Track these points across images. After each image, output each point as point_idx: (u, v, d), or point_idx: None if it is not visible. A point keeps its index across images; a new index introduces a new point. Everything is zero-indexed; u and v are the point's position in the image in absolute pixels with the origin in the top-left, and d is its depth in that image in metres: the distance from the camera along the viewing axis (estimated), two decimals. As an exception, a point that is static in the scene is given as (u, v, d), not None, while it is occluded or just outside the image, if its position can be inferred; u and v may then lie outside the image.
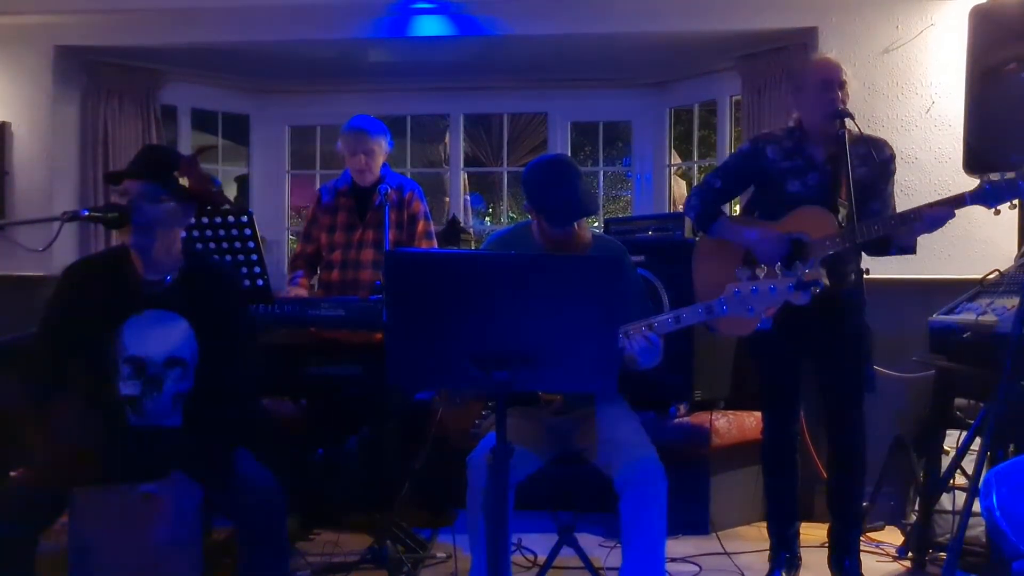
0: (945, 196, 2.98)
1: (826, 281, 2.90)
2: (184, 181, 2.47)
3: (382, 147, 3.91)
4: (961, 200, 2.88)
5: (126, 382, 2.46)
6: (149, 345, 2.47)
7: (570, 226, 2.74)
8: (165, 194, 2.46)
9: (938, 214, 2.89)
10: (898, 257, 3.92)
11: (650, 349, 2.55)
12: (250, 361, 2.60)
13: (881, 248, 3.09)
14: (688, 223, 4.07)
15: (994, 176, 2.91)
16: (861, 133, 2.99)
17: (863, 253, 3.08)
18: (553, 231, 2.76)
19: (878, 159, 3.06)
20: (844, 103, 2.98)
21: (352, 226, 3.96)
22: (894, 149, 3.17)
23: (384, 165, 3.99)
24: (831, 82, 3.00)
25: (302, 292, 3.90)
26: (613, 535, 3.45)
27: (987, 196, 2.84)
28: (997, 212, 2.88)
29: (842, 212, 2.96)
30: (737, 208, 4.08)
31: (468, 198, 8.53)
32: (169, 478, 2.36)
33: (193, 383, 2.51)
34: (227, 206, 2.74)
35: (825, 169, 3.04)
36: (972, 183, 3.48)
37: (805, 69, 3.17)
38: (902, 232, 2.98)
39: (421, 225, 3.96)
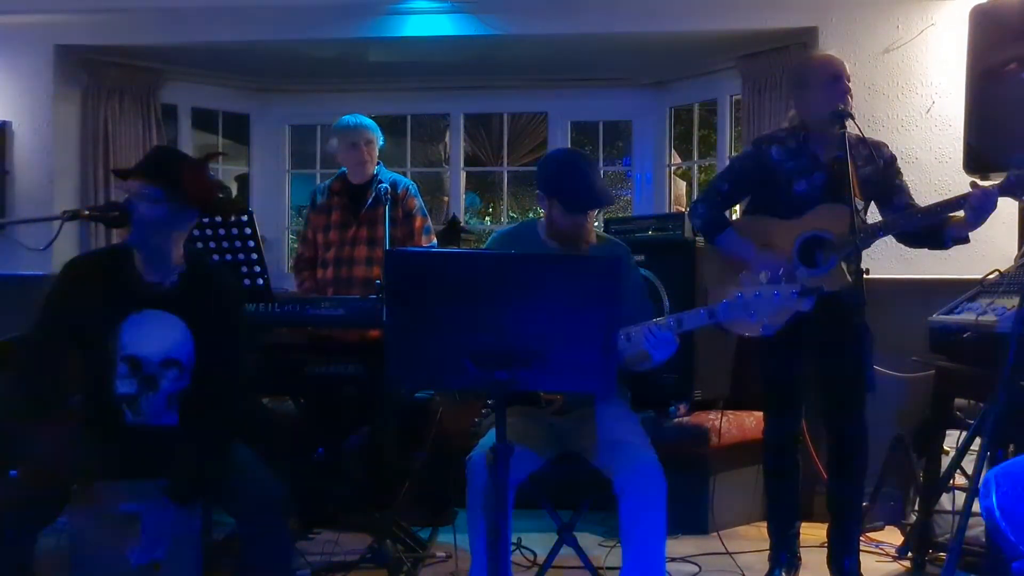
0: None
1: (849, 278, 2.90)
2: (187, 186, 2.47)
3: (378, 139, 3.98)
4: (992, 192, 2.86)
5: (123, 380, 2.48)
6: (146, 345, 2.48)
7: (583, 215, 2.75)
8: (165, 197, 2.46)
9: (987, 201, 2.84)
10: (898, 257, 3.96)
11: (665, 345, 2.56)
12: (246, 365, 2.60)
13: (934, 240, 3.05)
14: (688, 223, 4.07)
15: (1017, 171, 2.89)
16: (861, 135, 2.99)
17: (908, 247, 3.13)
18: (565, 220, 2.76)
19: (881, 160, 3.06)
20: (850, 106, 2.97)
21: (346, 224, 3.99)
22: (895, 149, 3.17)
23: (379, 164, 4.03)
24: (839, 75, 2.99)
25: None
26: (613, 535, 3.45)
27: (1014, 187, 2.82)
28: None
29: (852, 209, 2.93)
30: (738, 211, 4.07)
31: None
32: (153, 497, 2.35)
33: (189, 383, 2.51)
34: (233, 212, 2.74)
35: (830, 168, 3.04)
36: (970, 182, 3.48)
37: (810, 66, 3.14)
38: (959, 220, 2.93)
39: (419, 221, 3.98)
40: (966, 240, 3.02)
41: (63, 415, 2.46)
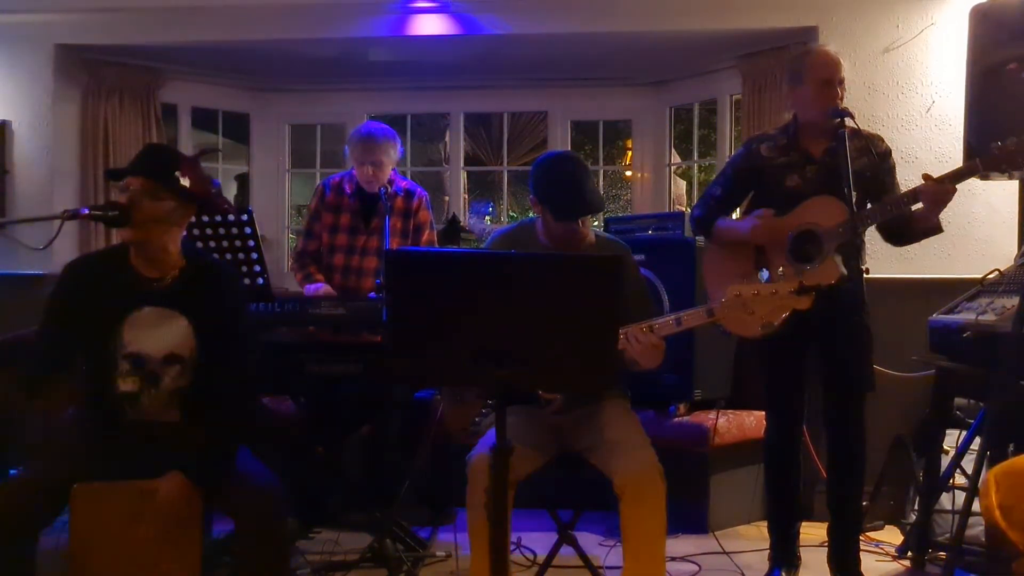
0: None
1: (843, 270, 2.90)
2: (185, 181, 2.48)
3: (391, 156, 3.78)
4: (974, 167, 2.86)
5: (124, 378, 2.48)
6: (148, 342, 2.48)
7: (574, 221, 2.74)
8: (165, 192, 2.46)
9: (946, 189, 2.84)
10: (898, 257, 3.95)
11: (651, 352, 2.55)
12: (248, 360, 2.60)
13: (907, 235, 3.07)
14: (688, 224, 4.07)
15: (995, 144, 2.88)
16: (857, 128, 2.98)
17: (890, 243, 3.12)
18: (557, 226, 2.76)
19: (876, 152, 3.05)
20: (843, 99, 2.98)
21: (355, 230, 3.90)
22: (895, 148, 3.17)
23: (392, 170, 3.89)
24: (831, 81, 2.99)
25: (327, 290, 3.79)
26: (612, 534, 3.45)
27: (999, 161, 2.81)
28: (1011, 176, 2.86)
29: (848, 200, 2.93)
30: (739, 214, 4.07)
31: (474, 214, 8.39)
32: (169, 475, 2.36)
33: (191, 380, 2.51)
34: (226, 207, 2.74)
35: (823, 162, 3.04)
36: (972, 182, 3.49)
37: (804, 64, 3.09)
38: (921, 212, 2.93)
39: (426, 235, 3.92)
40: (936, 230, 3.02)
41: (65, 415, 2.46)
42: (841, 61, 3.04)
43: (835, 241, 2.92)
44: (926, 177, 2.88)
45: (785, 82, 3.21)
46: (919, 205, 2.91)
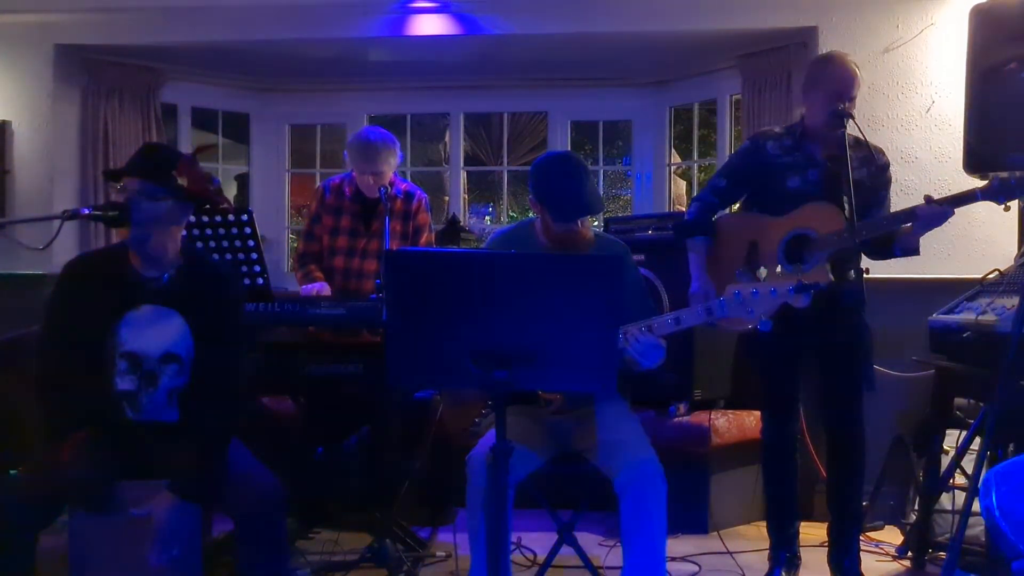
0: (944, 195, 2.97)
1: (831, 276, 2.91)
2: (182, 180, 2.48)
3: (391, 164, 3.78)
4: (972, 196, 2.87)
5: (123, 377, 2.48)
6: (145, 341, 2.49)
7: (573, 222, 2.74)
8: (163, 192, 2.47)
9: (943, 211, 2.87)
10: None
11: (651, 351, 2.55)
12: (243, 360, 2.60)
13: (884, 250, 3.09)
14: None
15: (1003, 174, 2.89)
16: (861, 136, 3.00)
17: (864, 255, 3.09)
18: (556, 226, 2.76)
19: (877, 164, 3.07)
20: (851, 112, 2.97)
21: (355, 232, 3.90)
22: (895, 148, 3.18)
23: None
24: (842, 95, 2.98)
25: (326, 290, 3.79)
26: (613, 534, 3.45)
27: (997, 192, 2.82)
28: (1007, 208, 2.88)
29: (846, 208, 2.94)
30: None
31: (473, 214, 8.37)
32: (161, 498, 2.35)
33: (188, 379, 2.52)
34: (225, 205, 2.74)
35: (825, 166, 3.05)
36: (972, 182, 3.49)
37: (824, 72, 3.08)
38: (906, 231, 2.97)
39: (424, 237, 3.92)
40: (916, 251, 3.05)
41: (65, 415, 2.45)
42: (857, 78, 3.02)
43: (828, 248, 2.94)
44: (927, 198, 2.90)
45: (802, 83, 3.20)
46: (907, 225, 2.95)
